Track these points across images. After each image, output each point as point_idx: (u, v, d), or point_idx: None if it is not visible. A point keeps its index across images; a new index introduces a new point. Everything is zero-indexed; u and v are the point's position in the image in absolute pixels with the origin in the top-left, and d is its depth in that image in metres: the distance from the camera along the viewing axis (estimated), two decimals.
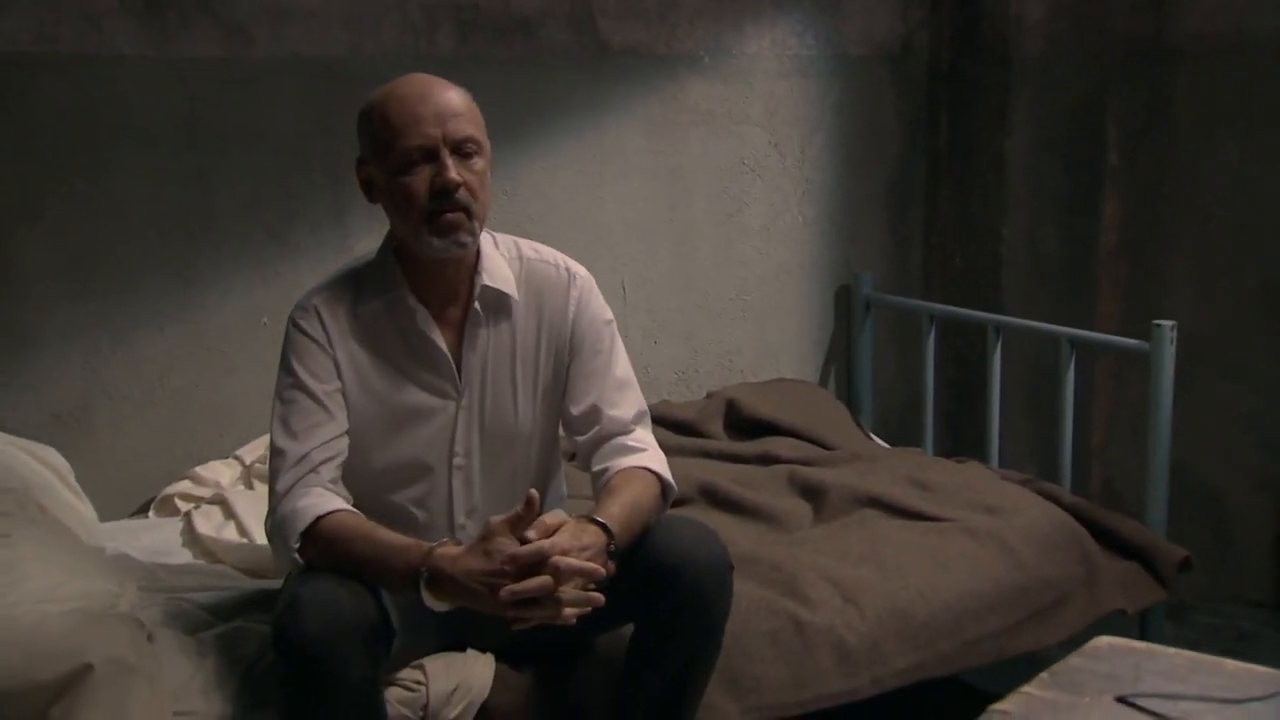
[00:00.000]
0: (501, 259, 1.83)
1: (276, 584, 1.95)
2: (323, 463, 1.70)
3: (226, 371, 2.59)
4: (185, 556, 2.24)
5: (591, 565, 1.55)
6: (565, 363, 1.84)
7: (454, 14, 2.74)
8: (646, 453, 1.81)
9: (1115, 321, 3.20)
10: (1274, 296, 3.11)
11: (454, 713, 1.72)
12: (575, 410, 1.84)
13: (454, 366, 1.79)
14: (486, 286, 1.79)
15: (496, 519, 1.56)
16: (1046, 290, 3.24)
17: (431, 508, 1.81)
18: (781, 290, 3.28)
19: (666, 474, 1.80)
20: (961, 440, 3.22)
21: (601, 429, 1.82)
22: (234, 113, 2.53)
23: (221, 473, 2.51)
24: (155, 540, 2.28)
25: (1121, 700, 1.11)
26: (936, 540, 2.31)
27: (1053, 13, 3.17)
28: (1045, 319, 2.96)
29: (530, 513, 1.55)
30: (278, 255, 2.61)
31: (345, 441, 1.74)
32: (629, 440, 1.81)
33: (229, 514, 2.34)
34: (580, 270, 1.88)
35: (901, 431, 3.28)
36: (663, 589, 1.67)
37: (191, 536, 2.29)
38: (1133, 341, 2.69)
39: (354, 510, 1.67)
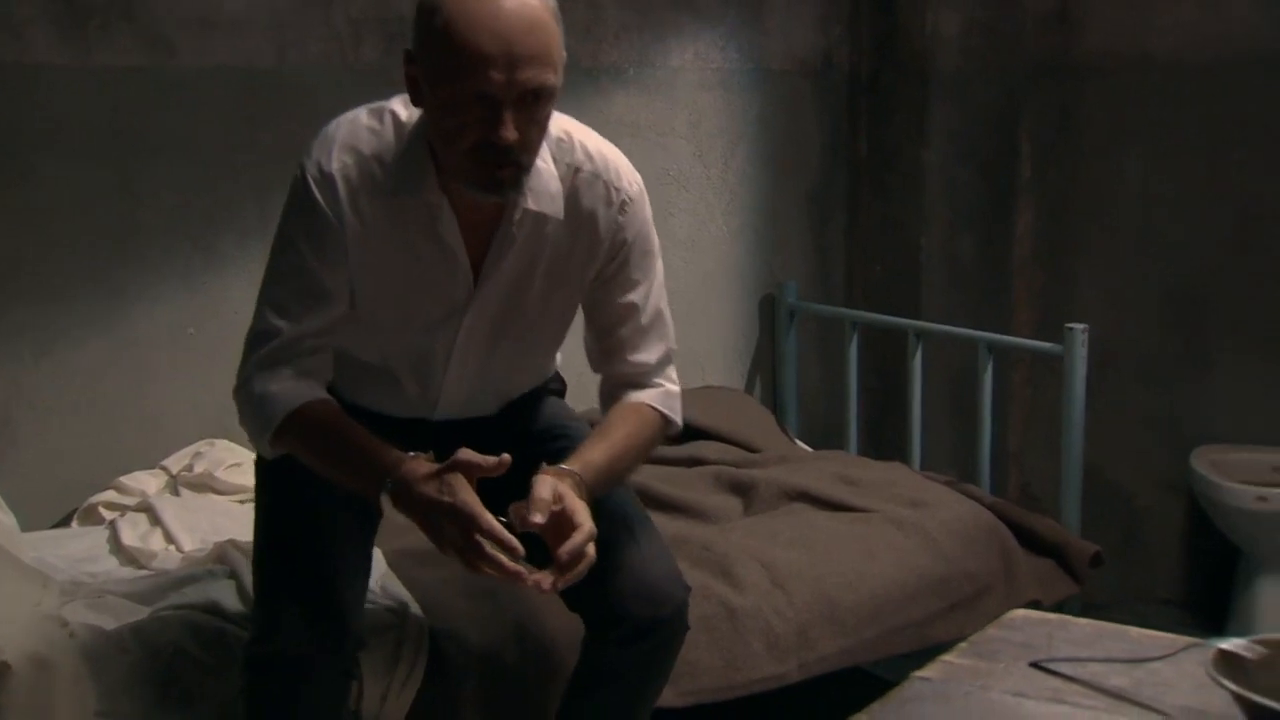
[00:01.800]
0: (552, 173, 1.63)
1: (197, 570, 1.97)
2: (313, 350, 1.61)
3: (152, 382, 2.61)
4: (110, 564, 2.25)
5: (576, 575, 1.47)
6: (594, 285, 1.72)
7: (379, 26, 2.79)
8: (658, 390, 1.74)
9: (1031, 328, 3.34)
10: (1178, 303, 3.27)
11: (389, 709, 1.76)
12: (598, 344, 1.75)
13: (472, 279, 1.66)
14: (528, 210, 1.62)
15: (464, 456, 1.47)
16: (965, 297, 3.37)
17: (422, 383, 1.75)
18: (707, 299, 3.36)
19: (670, 411, 1.74)
20: (884, 445, 3.34)
21: (621, 372, 1.74)
22: (159, 123, 2.56)
23: (147, 483, 2.53)
24: (79, 548, 2.29)
25: (1034, 665, 1.20)
26: (863, 530, 2.41)
27: (967, 29, 3.31)
28: (964, 325, 3.08)
29: (500, 469, 1.49)
30: (204, 266, 2.64)
31: (341, 327, 1.64)
32: (648, 370, 1.75)
33: (155, 521, 2.35)
34: (634, 191, 1.70)
35: (826, 437, 3.38)
36: (629, 636, 1.71)
37: (116, 544, 2.30)
38: (1047, 344, 2.82)
39: (328, 399, 1.61)
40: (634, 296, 1.72)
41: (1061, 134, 3.36)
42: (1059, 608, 2.60)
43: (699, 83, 3.28)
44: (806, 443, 3.24)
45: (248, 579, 1.93)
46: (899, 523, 2.49)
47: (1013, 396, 3.39)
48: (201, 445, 2.56)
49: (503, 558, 1.41)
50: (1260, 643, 1.13)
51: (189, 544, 2.23)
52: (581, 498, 1.51)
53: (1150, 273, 3.30)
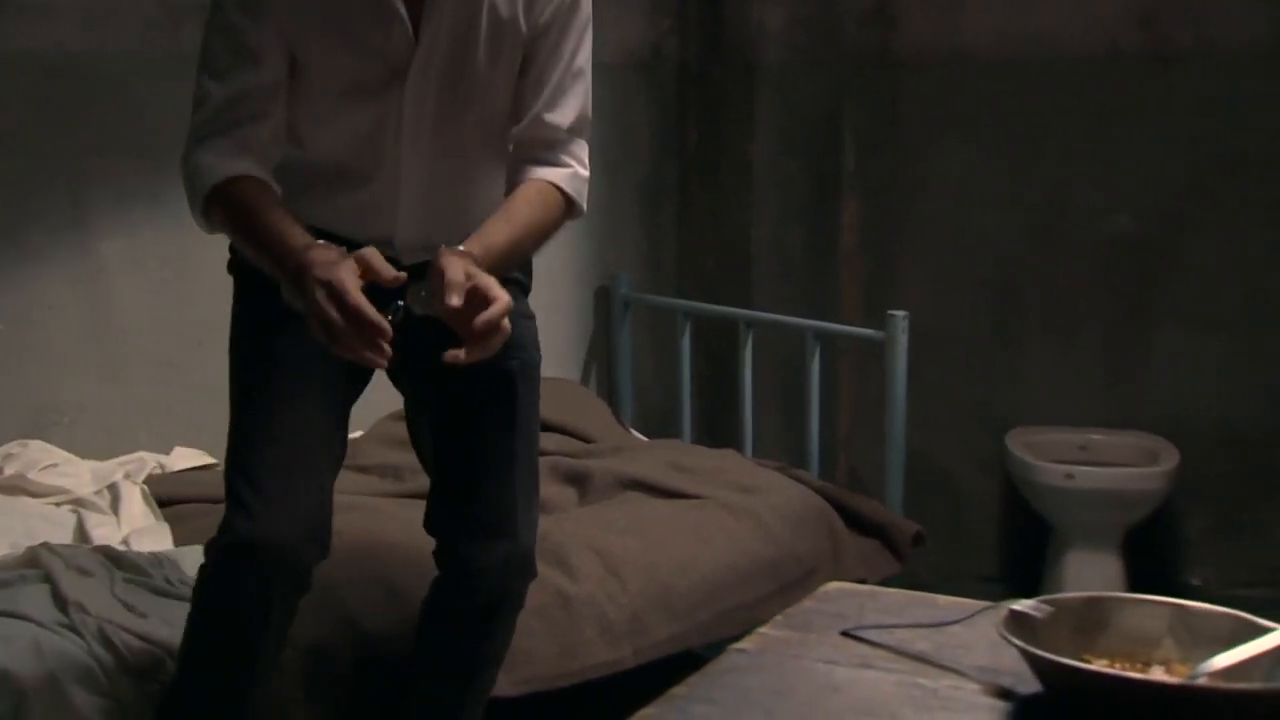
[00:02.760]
0: None
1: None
2: (249, 113, 1.61)
3: None
4: None
5: (490, 348, 1.48)
6: (528, 38, 1.70)
7: (197, 11, 2.72)
8: (566, 169, 1.72)
9: (857, 316, 3.48)
10: (991, 290, 3.46)
11: None
12: (515, 103, 1.72)
13: (411, 33, 1.64)
14: None
15: (366, 252, 1.48)
16: (794, 287, 3.48)
17: (375, 172, 1.70)
18: (543, 292, 3.37)
19: (575, 194, 1.73)
20: (717, 433, 3.43)
21: (533, 135, 1.71)
22: None
23: None
24: None
25: (845, 633, 1.27)
26: (696, 515, 2.48)
27: (791, 24, 3.43)
28: (793, 314, 3.19)
29: (394, 282, 1.48)
30: (14, 260, 2.57)
31: (279, 92, 1.63)
32: (555, 153, 1.72)
33: None
34: None
35: (661, 426, 3.46)
36: (474, 588, 1.77)
37: None
38: (869, 331, 2.95)
39: (259, 177, 1.61)
40: (559, 50, 1.71)
41: (883, 127, 3.51)
42: (885, 586, 2.73)
43: None
44: (642, 432, 3.31)
45: (63, 582, 1.90)
46: (731, 508, 2.57)
47: (841, 383, 3.53)
48: (13, 446, 2.49)
49: (369, 320, 1.42)
50: (1047, 602, 1.23)
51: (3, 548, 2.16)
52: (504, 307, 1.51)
53: (966, 261, 3.48)
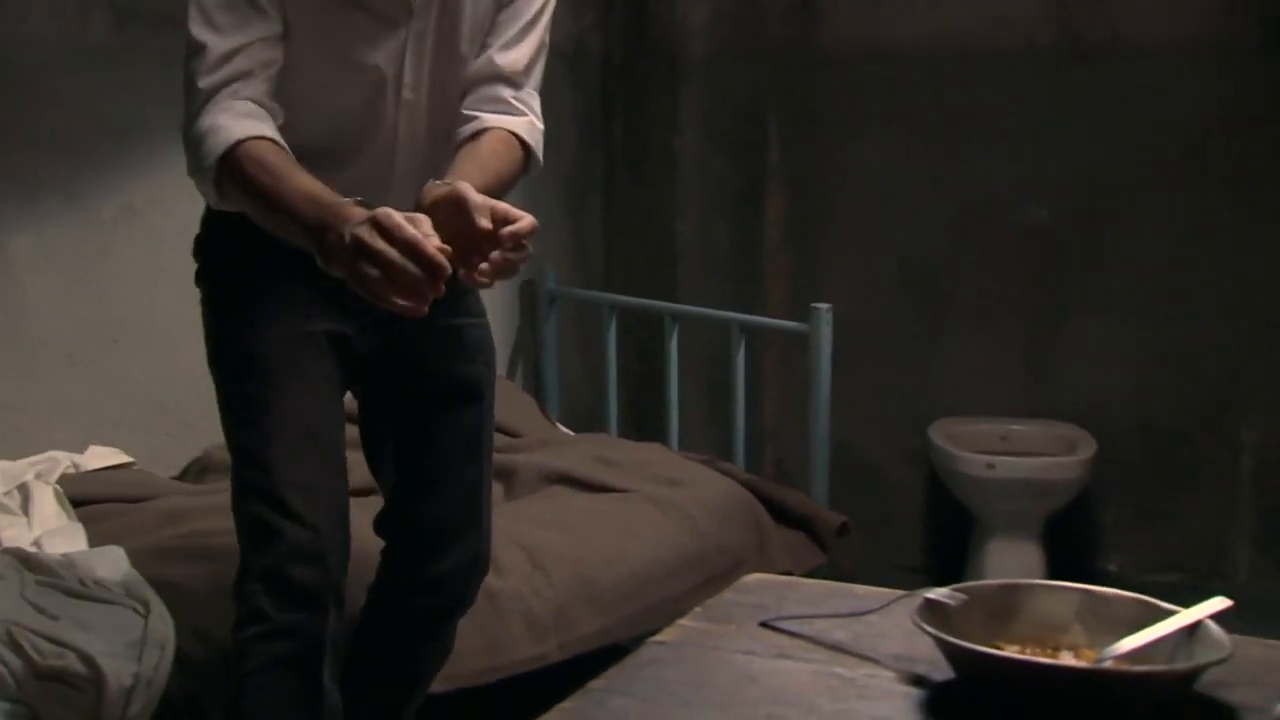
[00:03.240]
0: None
1: None
2: (253, 70, 1.54)
3: None
4: None
5: (518, 262, 1.42)
6: (495, 10, 1.69)
7: (108, 2, 2.68)
8: (523, 118, 1.68)
9: (783, 309, 3.52)
10: (913, 282, 3.51)
11: (134, 711, 1.74)
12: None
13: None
14: None
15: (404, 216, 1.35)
16: (719, 280, 3.51)
17: (368, 156, 1.66)
18: None
19: (535, 145, 1.70)
20: (644, 427, 3.45)
21: (488, 72, 1.68)
22: None
23: None
24: None
25: (763, 624, 1.29)
26: (622, 510, 2.50)
27: (715, 18, 3.45)
28: (719, 308, 3.22)
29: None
30: None
31: (279, 49, 1.57)
32: (509, 92, 1.68)
33: None
34: None
35: (588, 420, 3.47)
36: (427, 617, 1.78)
37: None
38: (794, 324, 2.99)
39: (275, 139, 1.52)
40: (519, 10, 1.69)
41: (807, 121, 3.55)
42: (810, 577, 2.76)
43: None
44: (569, 426, 3.32)
45: None
46: (657, 501, 2.59)
47: (767, 376, 3.56)
48: None
49: (428, 252, 1.31)
50: (961, 590, 1.26)
51: None
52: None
53: (889, 254, 3.53)
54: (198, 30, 1.54)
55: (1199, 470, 3.38)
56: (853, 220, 3.55)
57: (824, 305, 2.89)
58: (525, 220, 1.42)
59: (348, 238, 1.34)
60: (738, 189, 3.56)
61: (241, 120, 1.51)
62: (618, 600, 2.35)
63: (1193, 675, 1.12)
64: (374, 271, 1.33)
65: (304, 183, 1.46)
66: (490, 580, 2.21)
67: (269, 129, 1.52)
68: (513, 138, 1.66)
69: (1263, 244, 3.27)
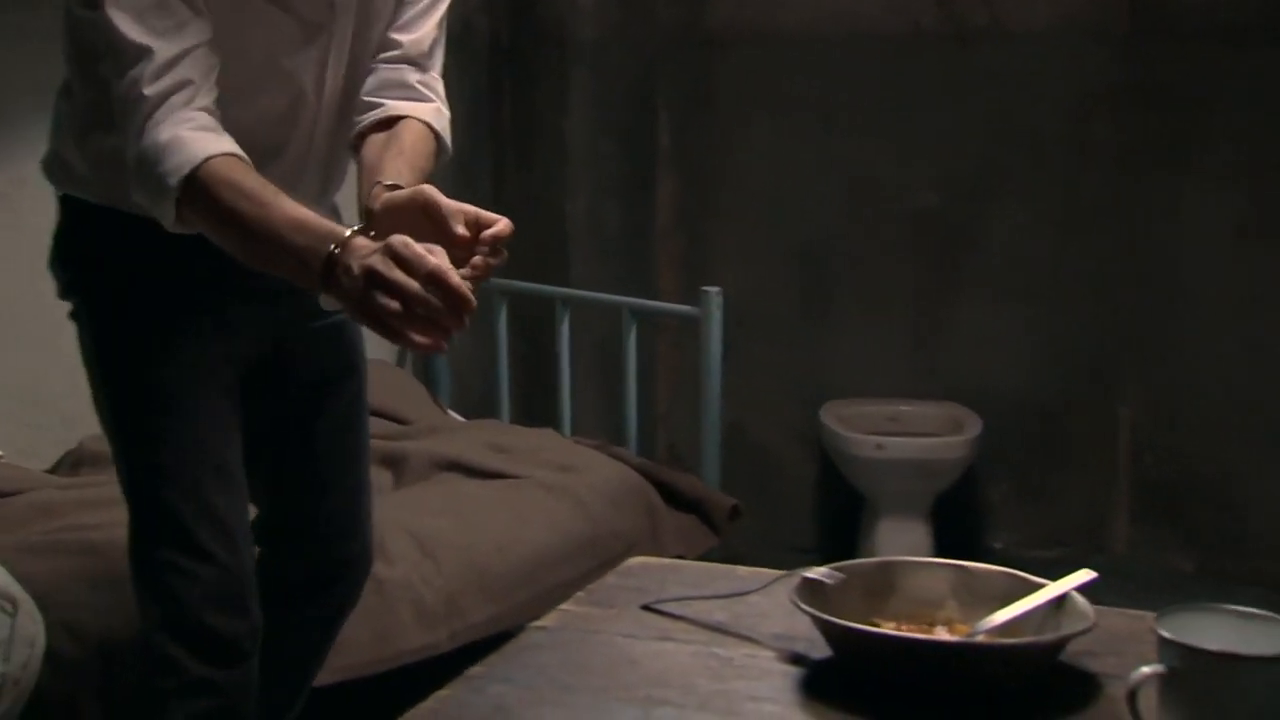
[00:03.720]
0: None
1: None
2: (199, 78, 1.41)
3: None
4: None
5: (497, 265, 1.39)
6: None
7: None
8: (430, 104, 1.61)
9: (676, 293, 3.54)
10: (804, 265, 3.55)
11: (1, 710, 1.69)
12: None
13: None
14: None
15: (399, 239, 1.26)
16: (611, 265, 3.52)
17: (285, 156, 1.57)
18: None
19: (445, 134, 1.63)
20: (536, 413, 3.44)
21: (391, 55, 1.60)
22: None
23: None
24: None
25: (645, 607, 1.30)
26: (513, 496, 2.50)
27: None
28: (611, 292, 3.22)
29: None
30: None
31: (216, 55, 1.44)
32: (415, 76, 1.61)
33: None
34: None
35: (480, 407, 3.45)
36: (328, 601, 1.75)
37: None
38: (684, 307, 3.00)
39: (243, 156, 1.40)
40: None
41: (697, 103, 3.56)
42: (703, 560, 2.79)
43: None
44: (460, 413, 3.30)
45: None
46: (549, 487, 2.59)
47: (659, 360, 3.58)
48: None
49: (454, 285, 1.23)
50: (839, 569, 1.28)
51: None
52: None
53: (779, 237, 3.57)
54: (134, 32, 1.40)
55: (1079, 447, 3.48)
56: (744, 204, 3.58)
57: (714, 288, 2.91)
58: (502, 222, 1.38)
59: (358, 269, 1.25)
60: (628, 172, 3.57)
61: (204, 135, 1.39)
62: (509, 587, 2.35)
63: (1059, 646, 1.16)
64: (392, 305, 1.23)
65: (291, 209, 1.35)
66: (379, 569, 2.19)
67: (233, 145, 1.40)
68: (426, 128, 1.60)
69: (1139, 225, 3.37)
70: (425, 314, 1.23)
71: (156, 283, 1.55)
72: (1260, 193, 3.28)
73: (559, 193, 3.54)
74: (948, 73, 3.43)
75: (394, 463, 2.71)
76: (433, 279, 1.23)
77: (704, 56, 3.55)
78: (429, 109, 1.61)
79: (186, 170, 1.36)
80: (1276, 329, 3.27)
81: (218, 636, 1.53)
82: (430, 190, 1.39)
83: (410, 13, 1.62)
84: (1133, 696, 1.00)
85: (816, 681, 1.17)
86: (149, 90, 1.39)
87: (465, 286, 1.24)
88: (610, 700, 1.11)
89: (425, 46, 1.63)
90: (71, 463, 2.60)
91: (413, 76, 1.61)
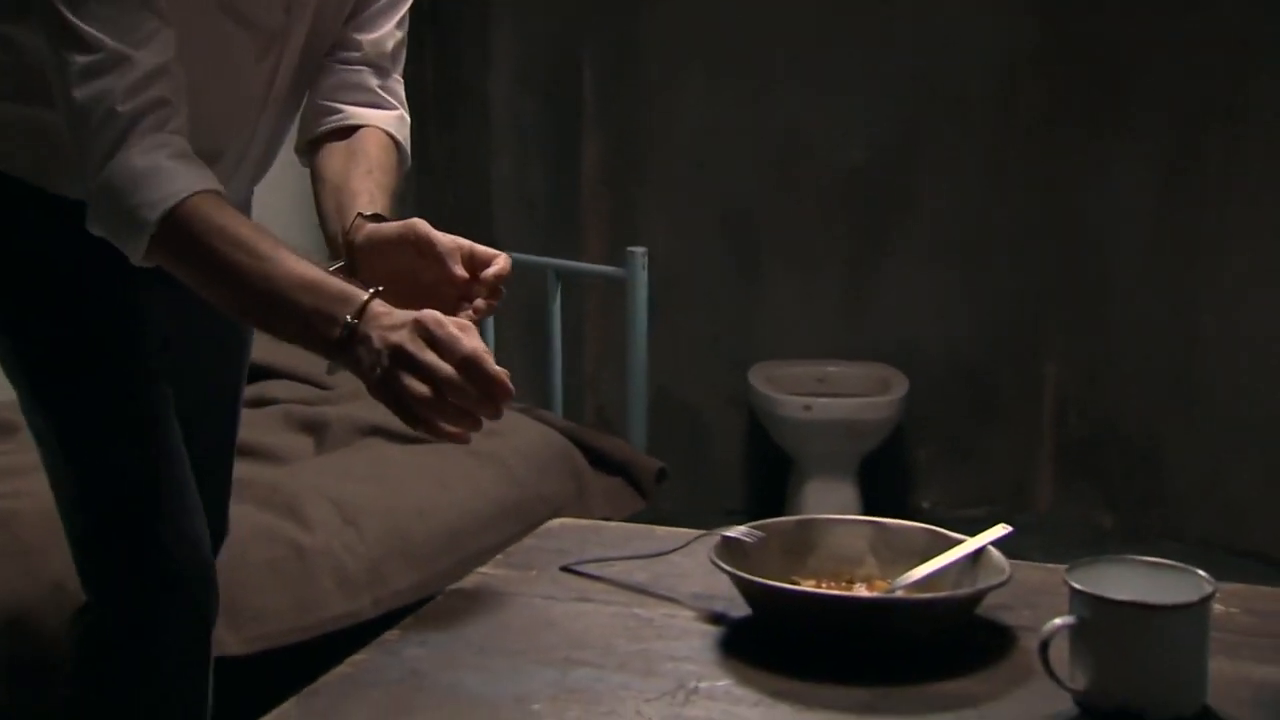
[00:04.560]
0: None
1: None
2: (175, 97, 1.27)
3: None
4: None
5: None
6: None
7: None
8: (393, 112, 1.51)
9: (602, 255, 3.52)
10: (732, 225, 3.56)
11: None
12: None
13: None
14: None
15: (430, 314, 1.17)
16: (536, 227, 3.50)
17: (225, 158, 1.46)
18: (281, 238, 3.29)
19: (407, 144, 1.53)
20: None
21: (346, 57, 1.50)
22: None
23: None
24: None
25: (564, 569, 1.30)
26: (438, 461, 2.49)
27: None
28: (537, 254, 3.20)
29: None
30: None
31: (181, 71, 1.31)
32: (375, 80, 1.51)
33: None
34: None
35: None
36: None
37: None
38: (610, 268, 3.00)
39: (224, 193, 1.29)
40: None
41: (622, 61, 3.54)
42: (630, 522, 2.80)
43: None
44: None
45: None
46: (473, 452, 2.57)
47: (587, 322, 3.57)
48: None
49: (491, 372, 1.14)
50: (759, 527, 1.29)
51: None
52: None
53: (706, 197, 3.57)
54: (107, 32, 1.24)
55: (1005, 407, 3.53)
56: (670, 163, 3.58)
57: (639, 249, 2.91)
58: (502, 260, 1.32)
59: (379, 343, 1.16)
60: (552, 132, 3.55)
61: (185, 166, 1.26)
62: (433, 553, 2.34)
63: (975, 600, 1.18)
64: (421, 390, 1.14)
65: (295, 265, 1.23)
66: (299, 536, 2.17)
67: (215, 179, 1.29)
68: (389, 139, 1.49)
69: (1063, 184, 3.42)
70: (458, 402, 1.14)
71: (70, 269, 1.43)
72: (1183, 153, 3.33)
73: (483, 154, 3.51)
74: (874, 30, 3.44)
75: (316, 428, 2.69)
76: (469, 364, 1.13)
77: (629, 13, 3.53)
78: (390, 117, 1.51)
79: (170, 205, 1.24)
80: (1198, 289, 3.34)
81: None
82: (422, 225, 1.32)
83: (370, 9, 1.51)
84: (1044, 647, 1.02)
85: (736, 640, 1.18)
86: (124, 107, 1.24)
87: (504, 373, 1.15)
88: (528, 662, 1.10)
89: (387, 48, 1.52)
90: None
91: (373, 80, 1.50)
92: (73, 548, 1.49)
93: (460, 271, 1.30)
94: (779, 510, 3.39)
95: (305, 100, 1.53)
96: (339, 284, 1.22)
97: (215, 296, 1.30)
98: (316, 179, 1.47)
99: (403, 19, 1.55)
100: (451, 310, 1.25)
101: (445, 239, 1.32)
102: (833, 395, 3.35)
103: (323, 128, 1.48)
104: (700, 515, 3.50)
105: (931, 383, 3.46)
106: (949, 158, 3.49)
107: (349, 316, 1.18)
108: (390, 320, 1.18)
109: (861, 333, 3.56)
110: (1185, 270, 3.35)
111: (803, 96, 3.48)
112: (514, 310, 3.43)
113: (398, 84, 1.55)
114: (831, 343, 3.55)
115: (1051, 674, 1.02)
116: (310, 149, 1.50)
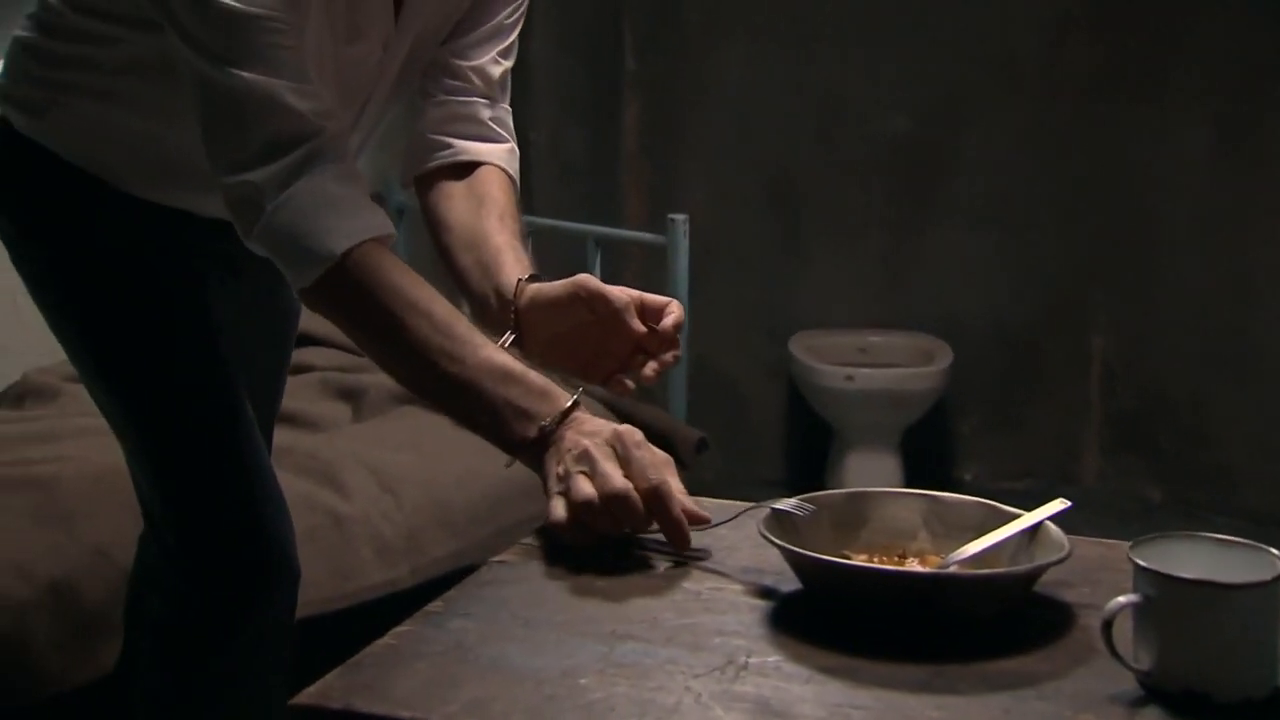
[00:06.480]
0: None
1: None
2: (333, 126, 1.22)
3: None
4: None
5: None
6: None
7: None
8: (504, 145, 1.47)
9: (641, 221, 3.50)
10: (774, 193, 3.51)
11: None
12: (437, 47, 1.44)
13: (394, 15, 1.37)
14: None
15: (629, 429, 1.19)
16: (574, 192, 3.47)
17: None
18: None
19: (517, 179, 1.49)
20: None
21: (453, 72, 1.44)
22: None
23: None
24: None
25: (610, 541, 1.27)
26: None
27: None
28: (575, 220, 3.18)
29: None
30: None
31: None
32: (487, 112, 1.46)
33: None
34: None
35: None
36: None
37: None
38: (650, 235, 2.97)
39: (388, 237, 1.22)
40: (500, 18, 1.45)
41: (663, 25, 3.50)
42: None
43: None
44: None
45: None
46: None
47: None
48: None
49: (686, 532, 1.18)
50: (809, 500, 1.26)
51: None
52: None
53: (748, 164, 3.52)
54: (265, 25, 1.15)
55: (1050, 377, 3.49)
56: (711, 129, 3.53)
57: (680, 216, 2.88)
58: (675, 308, 1.28)
59: (571, 443, 1.16)
60: (593, 97, 3.51)
61: (354, 198, 1.19)
62: (471, 522, 2.34)
63: (1033, 576, 1.15)
64: (589, 494, 1.14)
65: (488, 350, 1.18)
66: (336, 504, 2.17)
67: (383, 215, 1.23)
68: (507, 179, 1.44)
69: (1111, 149, 3.35)
70: (621, 518, 1.16)
71: (131, 244, 1.41)
72: (1234, 118, 3.26)
73: (521, 117, 3.45)
74: None
75: (353, 396, 2.68)
76: (657, 497, 1.16)
77: None
78: (502, 151, 1.47)
79: (340, 249, 1.17)
80: (1250, 256, 3.27)
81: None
82: (593, 282, 1.28)
83: (483, 28, 1.44)
84: (1108, 626, 0.99)
85: (786, 615, 1.15)
86: (331, 125, 1.20)
87: (685, 523, 1.17)
88: (573, 636, 1.09)
89: (495, 75, 1.47)
90: (15, 396, 2.55)
91: (484, 112, 1.45)
92: (167, 532, 1.48)
93: (639, 326, 1.27)
94: (819, 481, 3.37)
95: (412, 133, 1.48)
96: (541, 380, 1.20)
97: (384, 359, 1.26)
98: (439, 224, 1.42)
99: (508, 48, 1.49)
100: (626, 365, 1.26)
101: (618, 293, 1.28)
102: (875, 365, 3.32)
103: (434, 163, 1.43)
104: (740, 486, 3.48)
105: (975, 353, 3.42)
106: (994, 123, 3.43)
107: (548, 419, 1.17)
108: (591, 427, 1.17)
109: (905, 302, 3.51)
110: (1238, 237, 3.28)
111: (845, 60, 3.43)
112: (553, 278, 3.40)
113: (506, 114, 1.50)
114: (874, 312, 3.51)
115: (1115, 654, 1.00)
116: (421, 184, 1.45)
